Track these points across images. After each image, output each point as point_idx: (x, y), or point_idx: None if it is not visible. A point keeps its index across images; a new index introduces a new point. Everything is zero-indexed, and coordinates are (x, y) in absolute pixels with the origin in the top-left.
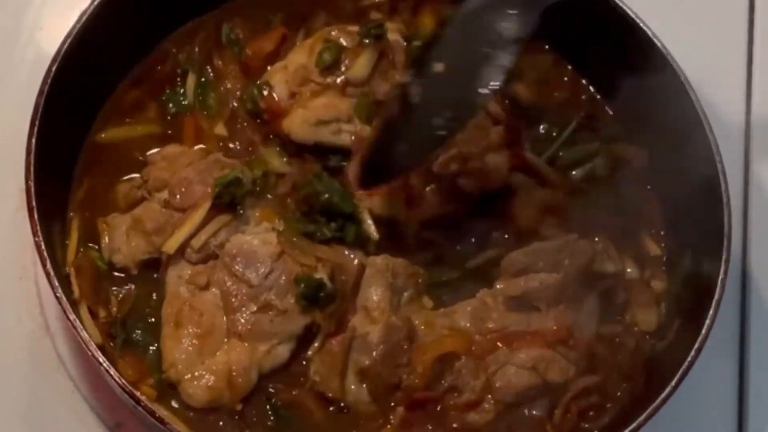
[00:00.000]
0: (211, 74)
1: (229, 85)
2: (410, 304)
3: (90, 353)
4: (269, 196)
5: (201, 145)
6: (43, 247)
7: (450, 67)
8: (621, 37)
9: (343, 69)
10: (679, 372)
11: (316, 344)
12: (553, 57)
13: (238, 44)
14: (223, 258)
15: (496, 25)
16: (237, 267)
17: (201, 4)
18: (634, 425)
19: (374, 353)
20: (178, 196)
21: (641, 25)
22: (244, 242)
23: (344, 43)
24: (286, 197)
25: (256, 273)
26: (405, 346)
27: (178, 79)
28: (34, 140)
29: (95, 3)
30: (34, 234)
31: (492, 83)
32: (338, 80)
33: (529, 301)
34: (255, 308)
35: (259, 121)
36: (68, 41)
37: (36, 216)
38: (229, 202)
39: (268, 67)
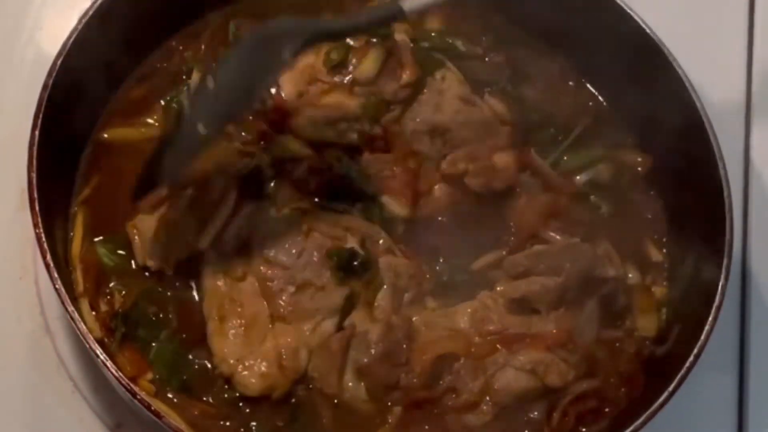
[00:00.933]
0: None
1: None
2: (412, 305)
3: (88, 345)
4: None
5: None
6: (43, 239)
7: (220, 84)
8: (622, 39)
9: (350, 68)
10: (678, 377)
11: (355, 312)
12: (557, 61)
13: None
14: (254, 246)
15: (266, 55)
16: (269, 252)
17: (208, 2)
18: (630, 429)
19: (373, 351)
20: (203, 191)
21: (642, 25)
22: (272, 227)
23: (351, 43)
24: (304, 181)
25: (288, 255)
26: (404, 346)
27: (184, 77)
28: (37, 132)
29: (97, 2)
30: (35, 226)
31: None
32: (346, 79)
33: (530, 304)
34: (293, 289)
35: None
36: (73, 36)
37: (37, 208)
38: (253, 190)
39: None
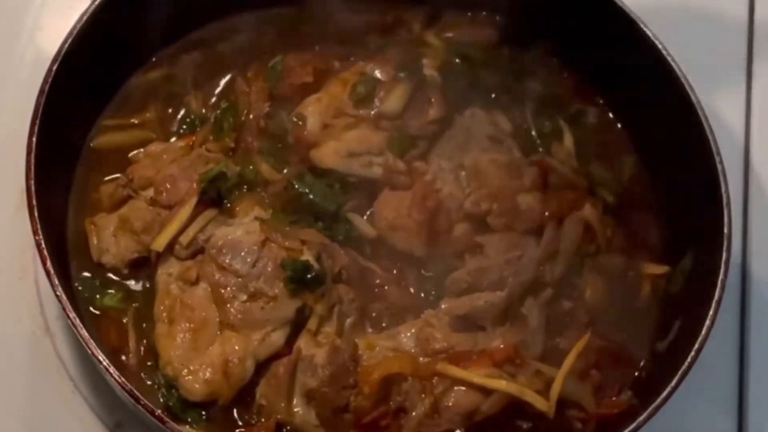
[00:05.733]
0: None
1: (251, 109)
2: (353, 329)
3: (90, 352)
4: (262, 194)
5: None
6: (43, 245)
7: None
8: (621, 38)
9: (376, 102)
10: (679, 373)
11: (309, 327)
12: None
13: (276, 71)
14: (210, 251)
15: None
16: (224, 259)
17: (207, 10)
18: (633, 425)
19: (320, 374)
20: (164, 194)
21: (642, 26)
22: (229, 233)
23: (379, 77)
24: (276, 198)
25: (242, 263)
26: (350, 368)
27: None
28: (34, 139)
29: (96, 2)
30: (35, 233)
31: None
32: (372, 113)
33: (475, 321)
34: (245, 297)
35: (280, 145)
36: (69, 40)
37: (36, 214)
38: (215, 196)
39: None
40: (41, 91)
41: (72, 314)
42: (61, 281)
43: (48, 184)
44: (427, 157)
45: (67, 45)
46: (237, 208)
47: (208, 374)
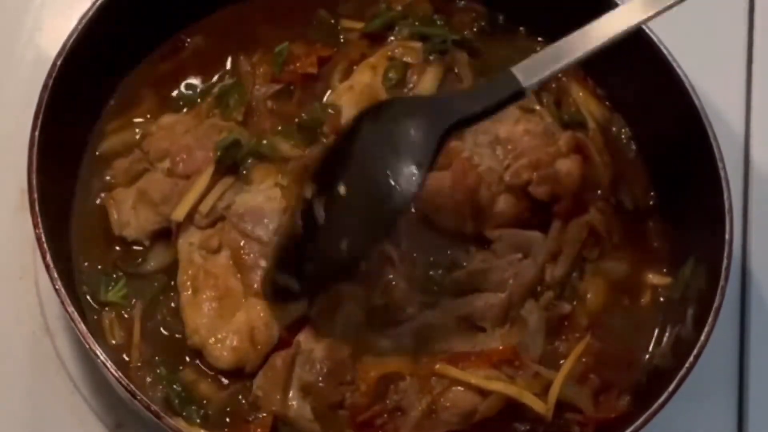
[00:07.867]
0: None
1: (257, 88)
2: (354, 326)
3: (87, 346)
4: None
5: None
6: (43, 239)
7: (354, 189)
8: (622, 39)
9: (410, 86)
10: (677, 378)
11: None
12: None
13: (281, 56)
14: (231, 219)
15: (400, 146)
16: (246, 226)
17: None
18: (630, 430)
19: (318, 369)
20: (180, 164)
21: (642, 25)
22: (249, 200)
23: (409, 60)
24: (295, 174)
25: (265, 229)
26: (349, 364)
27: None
28: (37, 133)
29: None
30: (35, 227)
31: (401, 205)
32: None
33: (474, 321)
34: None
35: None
36: (73, 36)
37: (37, 208)
38: (231, 164)
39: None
40: (45, 86)
41: (70, 308)
42: (60, 276)
43: (49, 178)
44: (461, 135)
45: (71, 41)
46: (253, 175)
47: (235, 341)
